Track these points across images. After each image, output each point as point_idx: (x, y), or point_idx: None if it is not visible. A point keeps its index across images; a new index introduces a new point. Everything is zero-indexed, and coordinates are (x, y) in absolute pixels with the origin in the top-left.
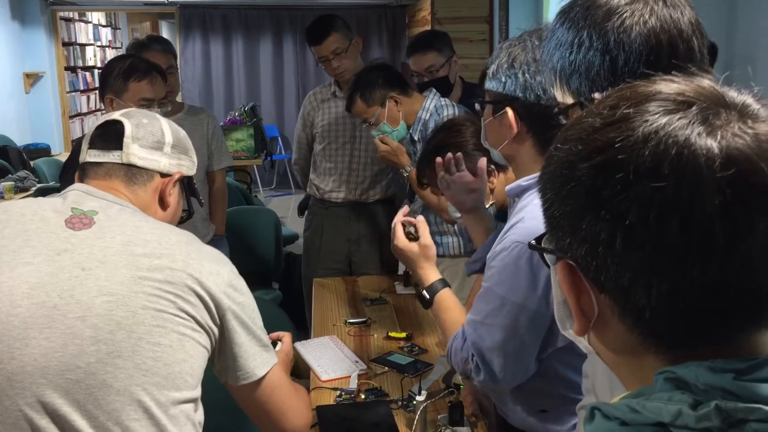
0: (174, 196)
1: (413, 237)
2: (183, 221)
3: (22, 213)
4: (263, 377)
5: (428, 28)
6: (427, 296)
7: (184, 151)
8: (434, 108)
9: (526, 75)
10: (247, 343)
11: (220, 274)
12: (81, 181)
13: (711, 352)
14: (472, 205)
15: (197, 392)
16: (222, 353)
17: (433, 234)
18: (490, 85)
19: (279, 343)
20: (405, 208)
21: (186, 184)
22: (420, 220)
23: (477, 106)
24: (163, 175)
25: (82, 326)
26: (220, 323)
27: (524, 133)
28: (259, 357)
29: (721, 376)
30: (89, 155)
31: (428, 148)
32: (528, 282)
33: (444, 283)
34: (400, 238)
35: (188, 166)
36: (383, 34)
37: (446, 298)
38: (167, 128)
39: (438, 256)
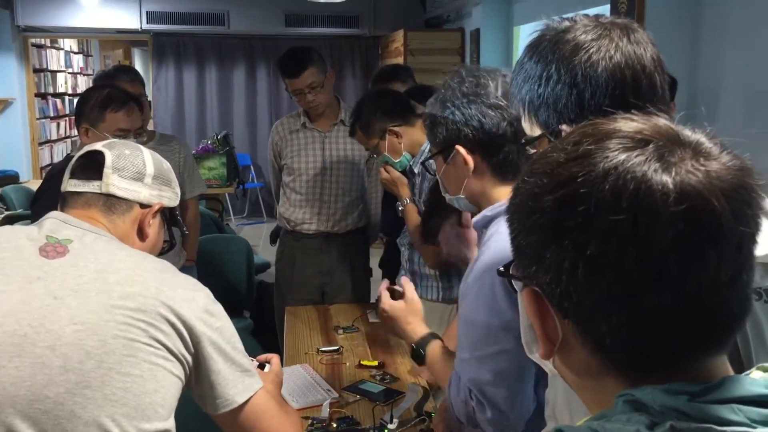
0: (153, 227)
1: (399, 295)
2: (164, 252)
3: None
4: (245, 403)
5: (401, 59)
6: (422, 352)
7: (166, 182)
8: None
9: (462, 108)
10: (225, 369)
11: (195, 300)
12: (61, 210)
13: (668, 376)
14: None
15: (169, 423)
16: (199, 381)
17: (413, 273)
18: (431, 136)
19: (267, 365)
20: (385, 282)
21: (168, 215)
22: (405, 280)
23: (429, 167)
24: (143, 206)
25: (51, 355)
26: (194, 351)
27: (479, 164)
28: (240, 383)
29: (675, 398)
30: (69, 185)
31: (425, 215)
32: (507, 303)
33: (434, 335)
34: (386, 300)
35: (170, 197)
36: (356, 64)
37: (435, 350)
38: (149, 159)
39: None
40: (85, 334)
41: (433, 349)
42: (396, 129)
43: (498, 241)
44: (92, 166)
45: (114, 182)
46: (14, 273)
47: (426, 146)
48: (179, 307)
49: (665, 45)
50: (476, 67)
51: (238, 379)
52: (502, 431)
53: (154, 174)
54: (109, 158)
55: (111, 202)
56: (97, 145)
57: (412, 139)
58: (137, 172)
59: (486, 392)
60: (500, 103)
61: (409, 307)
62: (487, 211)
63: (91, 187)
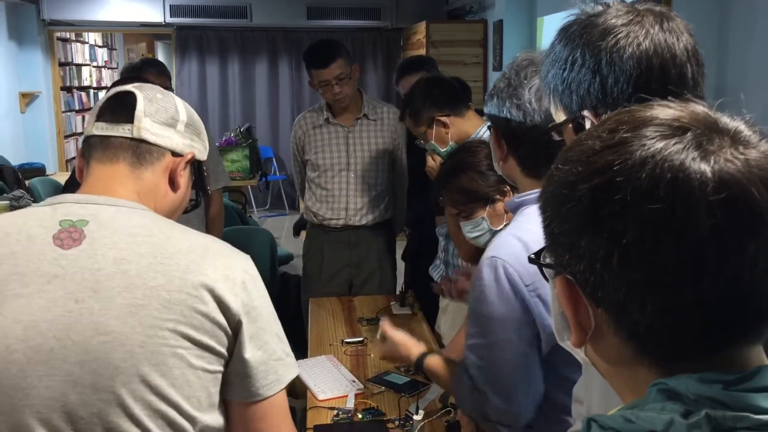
0: (184, 178)
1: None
2: (188, 211)
3: (6, 232)
4: (269, 396)
5: (423, 50)
6: (422, 373)
7: (197, 132)
8: (488, 138)
9: (499, 98)
10: (258, 358)
11: (227, 279)
12: (86, 160)
13: (702, 365)
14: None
15: (209, 417)
16: (227, 366)
17: (446, 263)
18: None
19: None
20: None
21: (197, 168)
22: (381, 323)
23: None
24: (175, 154)
25: (81, 372)
26: (227, 341)
27: (507, 153)
28: (272, 374)
29: (710, 386)
30: (96, 128)
31: (445, 169)
32: (510, 294)
33: (424, 354)
34: (380, 347)
35: (200, 149)
36: (378, 56)
37: (431, 364)
38: (181, 105)
39: None
40: (111, 346)
41: (429, 365)
42: (443, 119)
43: (509, 230)
44: (123, 108)
45: (146, 126)
46: (30, 271)
47: (473, 137)
48: (207, 293)
49: None
50: (535, 58)
51: (271, 370)
52: (502, 420)
53: (186, 121)
54: (141, 100)
55: (141, 150)
56: (127, 86)
57: (460, 130)
58: (170, 117)
59: (489, 378)
60: (527, 105)
61: (392, 345)
62: (515, 197)
63: (121, 130)
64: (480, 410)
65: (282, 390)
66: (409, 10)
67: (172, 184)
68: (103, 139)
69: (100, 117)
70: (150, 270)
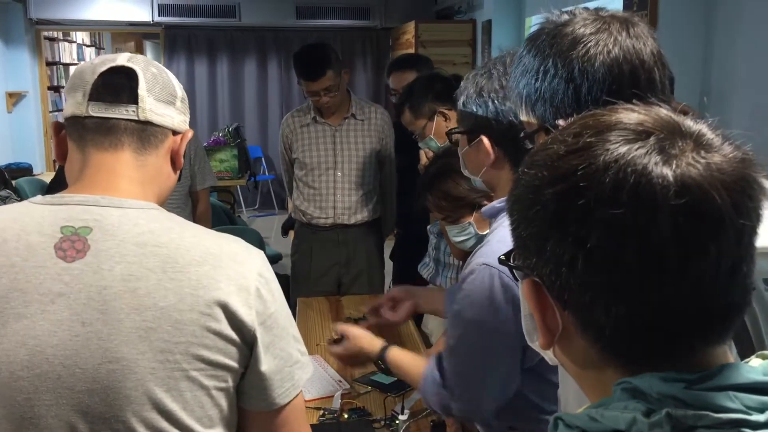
0: (181, 155)
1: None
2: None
3: (4, 238)
4: (287, 403)
5: (412, 50)
6: (383, 365)
7: (187, 106)
8: None
9: (496, 102)
10: (274, 367)
11: (241, 291)
12: (80, 149)
13: (667, 367)
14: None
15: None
16: (243, 379)
17: (437, 261)
18: (460, 115)
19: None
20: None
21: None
22: (339, 327)
23: (453, 137)
24: (174, 133)
25: (90, 402)
26: (240, 356)
27: (501, 158)
28: (288, 381)
29: (672, 385)
30: (93, 108)
31: (429, 173)
32: (500, 302)
33: (385, 347)
34: (336, 350)
35: (187, 122)
36: (368, 56)
37: (394, 356)
38: (175, 80)
39: (435, 285)
40: (121, 374)
41: (391, 356)
42: (446, 111)
43: (499, 235)
44: (123, 85)
45: (150, 107)
46: (31, 288)
47: None
48: (220, 310)
49: (678, 42)
50: None
51: (287, 377)
52: (464, 418)
53: (181, 96)
54: (142, 77)
55: (147, 133)
56: (120, 59)
57: None
58: (170, 94)
59: (460, 380)
60: None
61: (353, 340)
62: (496, 202)
63: (123, 112)
64: (444, 405)
65: (299, 393)
66: (398, 9)
67: (173, 164)
68: (104, 122)
69: (96, 96)
70: (160, 287)
